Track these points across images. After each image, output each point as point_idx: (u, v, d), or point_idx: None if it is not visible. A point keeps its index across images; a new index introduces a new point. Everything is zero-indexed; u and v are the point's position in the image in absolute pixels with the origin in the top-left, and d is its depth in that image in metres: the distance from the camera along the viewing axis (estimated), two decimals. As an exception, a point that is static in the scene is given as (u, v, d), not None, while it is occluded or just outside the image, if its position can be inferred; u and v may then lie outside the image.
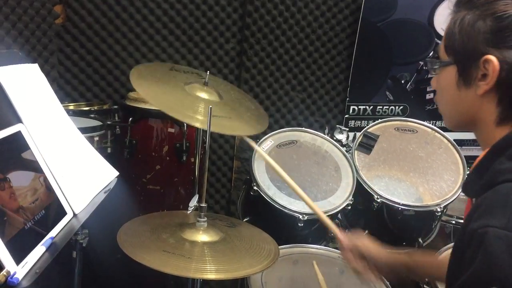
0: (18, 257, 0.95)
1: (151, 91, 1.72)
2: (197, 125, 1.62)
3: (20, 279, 0.90)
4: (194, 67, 2.66)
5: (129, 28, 2.54)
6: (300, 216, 1.98)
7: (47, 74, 2.43)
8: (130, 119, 2.25)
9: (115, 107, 2.37)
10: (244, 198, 2.27)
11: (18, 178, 1.06)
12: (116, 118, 2.35)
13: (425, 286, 1.94)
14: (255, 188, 2.04)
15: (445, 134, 2.31)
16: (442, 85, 1.12)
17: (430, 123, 2.41)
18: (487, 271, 0.85)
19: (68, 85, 2.53)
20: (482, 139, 1.08)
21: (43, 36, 2.37)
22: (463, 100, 1.06)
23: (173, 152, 2.28)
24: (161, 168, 2.28)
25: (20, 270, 0.92)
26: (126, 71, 2.58)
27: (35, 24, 2.33)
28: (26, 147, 1.14)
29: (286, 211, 1.99)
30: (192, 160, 2.27)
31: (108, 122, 2.12)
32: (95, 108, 2.34)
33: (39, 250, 1.01)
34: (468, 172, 1.91)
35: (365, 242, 1.52)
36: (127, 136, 2.24)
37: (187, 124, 2.25)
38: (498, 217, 0.87)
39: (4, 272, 0.89)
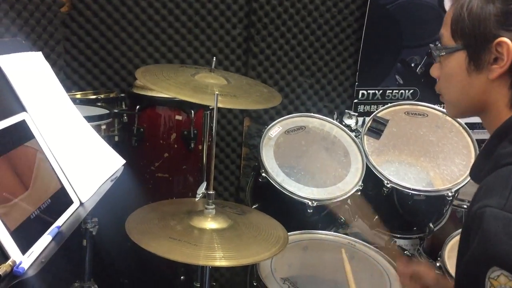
0: (24, 247, 0.94)
1: (159, 81, 1.73)
2: (206, 102, 1.62)
3: (25, 268, 0.90)
4: (200, 53, 2.64)
5: (134, 15, 2.51)
6: (309, 202, 1.96)
7: (53, 63, 2.45)
8: (138, 107, 2.24)
9: (122, 95, 2.36)
10: (253, 184, 2.26)
11: (23, 167, 1.06)
12: (123, 106, 2.34)
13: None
14: (263, 174, 2.02)
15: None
16: (449, 72, 1.10)
17: (440, 107, 2.37)
18: (484, 251, 0.86)
19: (75, 74, 2.52)
20: (493, 124, 1.06)
21: (49, 24, 2.36)
22: (473, 85, 1.05)
23: (181, 139, 2.27)
24: (169, 155, 2.28)
25: (26, 260, 0.92)
26: (132, 59, 2.56)
27: (40, 13, 2.31)
28: (30, 136, 1.14)
29: (295, 197, 1.98)
30: (200, 147, 2.26)
31: (115, 110, 2.11)
32: (102, 96, 2.32)
33: (45, 239, 1.01)
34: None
35: (425, 269, 1.51)
36: (134, 124, 2.24)
37: (194, 112, 2.24)
38: (496, 198, 0.87)
39: (9, 262, 0.88)
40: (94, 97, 2.32)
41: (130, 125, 2.24)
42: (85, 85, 2.54)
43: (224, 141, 2.81)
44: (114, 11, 2.48)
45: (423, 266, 1.53)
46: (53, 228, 1.05)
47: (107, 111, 2.08)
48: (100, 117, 1.99)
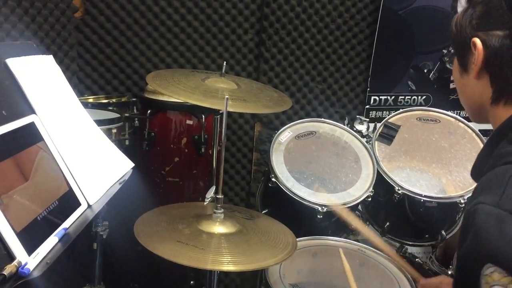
0: (30, 248, 0.94)
1: (169, 85, 1.74)
2: (216, 107, 1.64)
3: (31, 269, 0.90)
4: (212, 59, 2.65)
5: (147, 20, 2.53)
6: (319, 208, 1.95)
7: (67, 68, 2.47)
8: (149, 111, 2.25)
9: (134, 99, 2.37)
10: (263, 190, 2.25)
11: (32, 169, 1.06)
12: (135, 110, 2.35)
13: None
14: (273, 179, 2.02)
15: (469, 124, 2.25)
16: (454, 76, 1.20)
17: (453, 113, 2.35)
18: (478, 248, 0.86)
19: (88, 79, 2.54)
20: (494, 124, 1.10)
21: (63, 29, 2.38)
22: (466, 86, 1.13)
23: (192, 144, 2.28)
24: (180, 160, 2.28)
25: (31, 261, 0.92)
26: (145, 64, 2.58)
27: (54, 18, 2.34)
28: (39, 138, 1.14)
29: (305, 202, 1.97)
30: (211, 152, 2.27)
31: (126, 114, 2.12)
32: (114, 100, 2.34)
33: (51, 240, 1.01)
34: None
35: (446, 279, 1.54)
36: (145, 128, 2.25)
37: (205, 116, 2.24)
38: (490, 195, 0.88)
39: (15, 262, 0.89)
40: (105, 101, 2.34)
41: (141, 129, 2.25)
42: (98, 89, 2.56)
43: (235, 146, 2.81)
44: (127, 16, 2.50)
45: (444, 279, 1.53)
46: (60, 230, 1.05)
47: (118, 115, 2.09)
48: (111, 121, 2.00)
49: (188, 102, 2.17)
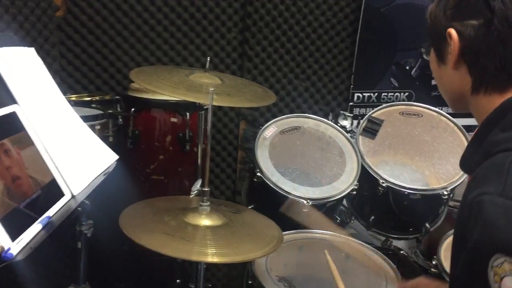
0: (13, 234, 0.93)
1: (153, 80, 1.73)
2: (200, 101, 1.61)
3: (14, 254, 0.89)
4: (196, 57, 2.66)
5: (130, 19, 2.53)
6: (305, 202, 1.96)
7: (49, 67, 2.40)
8: (132, 109, 2.24)
9: (117, 97, 2.35)
10: (248, 186, 2.25)
11: (13, 158, 1.05)
12: (119, 109, 2.34)
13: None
14: (258, 174, 2.02)
15: (451, 118, 2.28)
16: (431, 69, 1.19)
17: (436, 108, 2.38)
18: (486, 239, 0.84)
19: (71, 78, 2.53)
20: (477, 114, 1.09)
21: (44, 28, 2.37)
22: (444, 77, 1.12)
23: (176, 142, 2.27)
24: (165, 158, 2.28)
25: (15, 246, 0.91)
26: (128, 63, 2.57)
27: (35, 17, 2.32)
28: (21, 128, 1.13)
29: (290, 196, 1.97)
30: (195, 149, 2.26)
31: (110, 111, 2.11)
32: (97, 98, 2.32)
33: (35, 228, 1.00)
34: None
35: (424, 281, 1.49)
36: (129, 126, 2.23)
37: (189, 114, 2.24)
38: (493, 185, 0.86)
39: (-2, 247, 0.88)
40: (89, 99, 2.32)
41: (125, 127, 2.24)
42: (81, 89, 2.54)
43: (220, 144, 2.81)
44: (109, 15, 2.50)
45: (422, 280, 1.52)
46: (44, 218, 1.04)
47: (101, 112, 2.07)
48: (94, 117, 1.99)
49: (172, 100, 2.20)
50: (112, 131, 2.17)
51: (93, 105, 2.20)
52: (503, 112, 1.00)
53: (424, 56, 1.20)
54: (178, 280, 2.40)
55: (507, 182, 0.85)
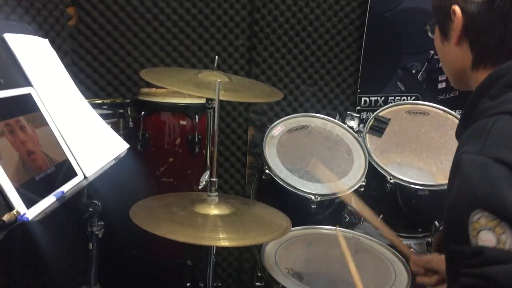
0: (29, 203, 0.96)
1: (163, 78, 1.78)
2: (209, 96, 1.70)
3: (30, 219, 0.91)
4: (204, 64, 2.70)
5: (140, 27, 2.59)
6: (313, 197, 1.97)
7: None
8: (143, 113, 2.28)
9: (127, 101, 2.39)
10: (257, 185, 2.27)
11: (29, 134, 1.09)
12: (129, 112, 2.38)
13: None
14: (267, 171, 2.04)
15: (458, 116, 2.30)
16: (435, 46, 1.23)
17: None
18: (464, 195, 0.88)
19: (82, 85, 2.57)
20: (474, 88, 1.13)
21: (57, 37, 2.43)
22: (447, 53, 1.17)
23: (186, 144, 2.30)
24: (174, 160, 2.30)
25: (30, 212, 0.94)
26: (138, 70, 2.61)
27: (48, 25, 2.39)
28: (36, 108, 1.17)
29: (298, 192, 1.99)
30: (205, 152, 2.29)
31: (120, 111, 2.15)
32: (108, 101, 2.37)
33: (49, 199, 1.03)
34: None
35: (437, 257, 1.54)
36: (140, 129, 2.27)
37: (198, 117, 2.28)
38: (473, 144, 0.92)
39: (14, 211, 0.90)
40: (100, 101, 2.36)
41: (136, 130, 2.28)
42: (92, 95, 2.59)
43: (229, 150, 2.84)
44: (119, 24, 2.56)
45: (436, 256, 1.53)
46: (58, 191, 1.07)
47: (112, 111, 2.12)
48: (105, 116, 2.02)
49: (181, 103, 2.24)
50: (123, 133, 2.20)
51: (105, 107, 2.24)
52: (491, 82, 1.04)
53: (429, 34, 1.24)
54: (188, 284, 2.41)
55: (486, 142, 0.90)
